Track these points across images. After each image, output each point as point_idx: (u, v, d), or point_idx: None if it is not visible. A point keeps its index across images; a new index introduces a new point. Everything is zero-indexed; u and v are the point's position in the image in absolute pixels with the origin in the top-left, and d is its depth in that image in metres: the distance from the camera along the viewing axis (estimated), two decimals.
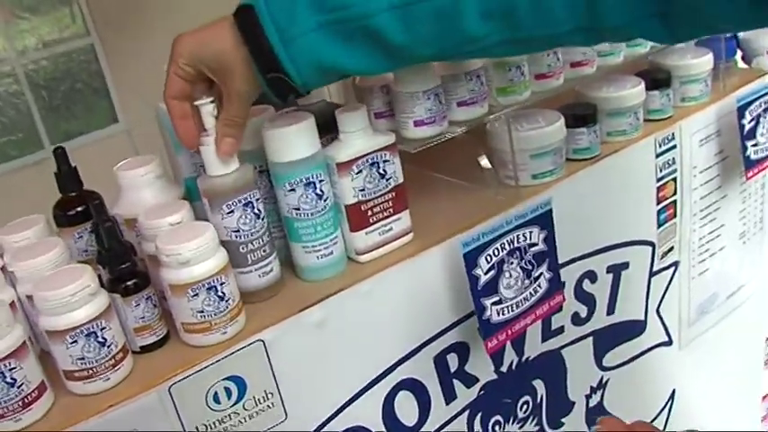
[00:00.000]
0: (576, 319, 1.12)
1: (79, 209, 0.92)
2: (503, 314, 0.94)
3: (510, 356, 1.05)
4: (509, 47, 0.73)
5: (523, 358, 1.07)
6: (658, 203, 1.18)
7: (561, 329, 1.10)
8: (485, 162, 0.97)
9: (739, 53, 1.54)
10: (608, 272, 1.13)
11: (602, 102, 1.10)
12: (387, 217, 0.93)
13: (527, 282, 0.95)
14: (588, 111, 1.07)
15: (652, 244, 1.19)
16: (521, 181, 1.03)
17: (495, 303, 0.93)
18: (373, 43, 0.70)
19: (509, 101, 0.98)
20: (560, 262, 1.05)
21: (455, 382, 1.01)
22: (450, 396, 1.01)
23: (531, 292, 0.96)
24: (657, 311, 1.25)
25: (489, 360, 1.03)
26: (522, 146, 1.01)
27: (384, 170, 0.90)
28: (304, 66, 0.71)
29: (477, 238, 0.90)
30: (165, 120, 0.96)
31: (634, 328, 1.22)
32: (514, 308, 0.95)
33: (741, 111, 1.20)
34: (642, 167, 1.14)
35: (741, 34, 1.64)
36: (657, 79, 1.16)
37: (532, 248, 0.95)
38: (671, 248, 1.23)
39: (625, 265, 1.16)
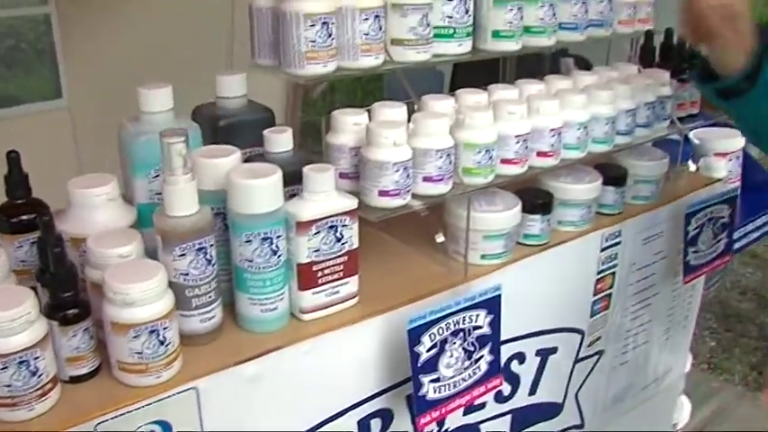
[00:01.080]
0: (499, 397, 1.17)
1: (25, 218, 0.92)
2: (439, 392, 0.98)
3: (430, 426, 1.09)
4: None
5: (443, 429, 1.11)
6: (595, 294, 1.24)
7: (483, 405, 1.15)
8: (440, 239, 1.00)
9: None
10: (537, 355, 1.19)
11: (560, 191, 1.16)
12: (336, 280, 0.96)
13: (467, 363, 1.00)
14: (545, 199, 1.13)
15: (582, 332, 1.25)
16: (470, 259, 1.07)
17: (433, 381, 0.97)
18: None
19: (473, 182, 1.02)
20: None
21: None
22: None
23: (470, 374, 1.01)
24: (576, 396, 1.32)
25: (411, 429, 1.06)
26: (478, 226, 1.05)
27: (341, 234, 0.93)
28: None
29: (424, 316, 0.94)
30: (125, 140, 0.97)
31: (551, 410, 1.28)
32: (451, 387, 0.99)
33: (688, 218, 1.28)
34: (586, 260, 1.20)
35: (692, 133, 1.74)
36: (614, 176, 1.23)
37: (477, 331, 1.00)
38: (598, 338, 1.29)
39: (554, 350, 1.21)
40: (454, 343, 0.98)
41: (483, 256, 1.08)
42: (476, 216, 1.05)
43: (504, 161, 1.05)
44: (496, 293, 0.99)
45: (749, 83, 0.99)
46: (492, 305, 0.99)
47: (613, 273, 1.25)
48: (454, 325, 0.97)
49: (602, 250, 1.21)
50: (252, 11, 1.03)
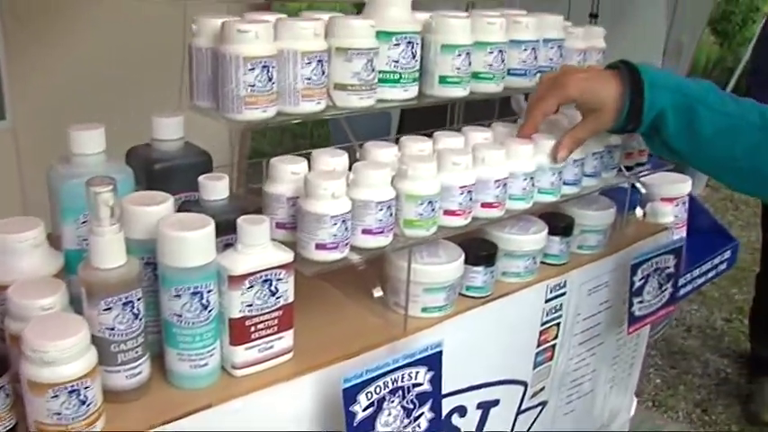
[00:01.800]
0: None
1: None
2: None
3: None
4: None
5: None
6: (539, 345, 1.22)
7: None
8: (378, 293, 0.97)
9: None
10: (478, 408, 1.17)
11: (504, 242, 1.14)
12: (270, 334, 0.92)
13: (406, 421, 0.97)
14: (489, 250, 1.11)
15: (525, 383, 1.23)
16: (410, 312, 1.05)
17: None
18: (688, 121, 1.07)
19: (414, 234, 0.99)
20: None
21: None
22: None
23: None
24: None
25: None
26: (419, 279, 1.03)
27: (276, 288, 0.90)
28: (653, 104, 1.08)
29: (360, 374, 0.91)
30: (53, 182, 0.92)
31: None
32: None
33: (634, 268, 1.26)
34: (530, 311, 1.18)
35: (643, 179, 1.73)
36: (560, 226, 1.21)
37: (417, 388, 0.97)
38: (542, 388, 1.27)
39: (495, 403, 1.19)
40: (392, 401, 0.94)
41: (424, 309, 1.05)
42: (417, 268, 1.03)
43: (448, 212, 1.03)
44: (437, 350, 0.96)
45: (635, 123, 1.11)
46: (432, 362, 0.96)
47: (558, 323, 1.23)
48: (392, 383, 0.94)
49: (547, 301, 1.19)
50: (191, 50, 1.00)
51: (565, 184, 1.18)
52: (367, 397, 0.92)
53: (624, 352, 1.42)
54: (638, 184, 1.34)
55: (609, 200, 1.31)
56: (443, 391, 1.08)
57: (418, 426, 0.98)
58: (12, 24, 2.42)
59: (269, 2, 2.45)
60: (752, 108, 1.08)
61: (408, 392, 0.96)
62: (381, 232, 0.96)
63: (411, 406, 0.97)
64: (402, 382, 0.95)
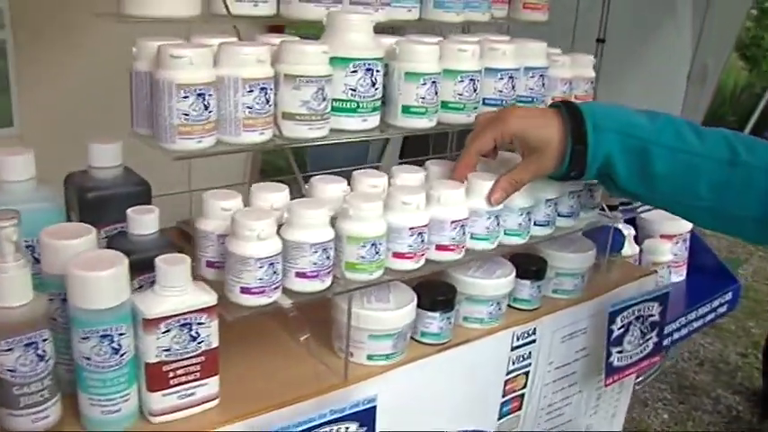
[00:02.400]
0: None
1: None
2: None
3: None
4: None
5: None
6: (504, 395, 1.12)
7: None
8: (304, 337, 0.88)
9: (631, 232, 1.53)
10: None
11: (465, 285, 1.05)
12: (191, 381, 0.84)
13: None
14: (446, 295, 1.01)
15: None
16: (355, 359, 0.97)
17: None
18: (640, 164, 0.97)
19: (356, 278, 0.90)
20: None
21: None
22: None
23: None
24: None
25: None
26: (363, 324, 0.94)
27: (197, 333, 0.83)
28: (597, 149, 0.97)
29: (287, 428, 0.82)
30: None
31: None
32: None
33: (612, 316, 1.17)
34: (494, 359, 1.09)
35: (642, 215, 1.63)
36: (531, 269, 1.11)
37: None
38: None
39: None
40: None
41: (370, 357, 0.96)
42: (361, 313, 0.94)
43: (397, 255, 0.94)
44: (370, 405, 0.88)
45: (579, 169, 1.00)
46: (365, 417, 0.88)
47: (527, 372, 1.13)
48: None
49: (514, 349, 1.10)
50: (131, 75, 0.92)
51: (536, 224, 1.08)
52: None
53: (605, 401, 1.31)
54: (620, 226, 1.22)
55: (589, 242, 1.21)
56: None
57: None
58: (22, 35, 2.39)
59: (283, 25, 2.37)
60: (720, 141, 0.96)
61: None
62: (316, 276, 0.88)
63: None
64: None
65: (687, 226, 1.63)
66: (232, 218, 0.84)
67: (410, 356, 1.00)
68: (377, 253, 0.91)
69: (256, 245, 0.83)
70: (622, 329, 1.19)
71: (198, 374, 0.85)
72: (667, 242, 1.58)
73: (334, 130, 0.97)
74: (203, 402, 0.86)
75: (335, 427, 0.87)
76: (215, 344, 0.84)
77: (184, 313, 0.81)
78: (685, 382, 2.77)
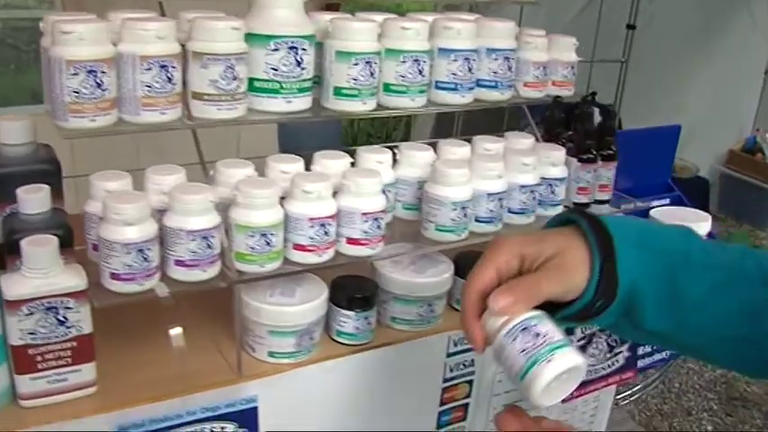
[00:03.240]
0: None
1: None
2: None
3: None
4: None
5: None
6: (443, 404, 1.02)
7: None
8: (176, 331, 0.81)
9: None
10: None
11: (392, 283, 0.95)
12: (61, 366, 0.79)
13: None
14: (366, 292, 0.92)
15: None
16: (257, 355, 0.90)
17: None
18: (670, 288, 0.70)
19: (246, 270, 0.83)
20: None
21: None
22: None
23: None
24: None
25: None
26: (262, 320, 0.87)
27: (65, 317, 0.78)
28: (628, 266, 0.69)
29: (141, 423, 0.76)
30: None
31: None
32: None
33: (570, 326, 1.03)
34: (426, 365, 1.00)
35: (653, 212, 1.47)
36: None
37: None
38: None
39: None
40: None
41: (271, 354, 0.88)
42: (261, 308, 0.86)
43: (298, 247, 0.86)
44: (250, 405, 0.80)
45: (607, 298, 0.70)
46: (245, 418, 0.81)
47: (469, 381, 1.02)
48: None
49: (450, 355, 0.99)
50: (41, 50, 0.88)
51: (476, 221, 0.97)
52: None
53: (575, 417, 1.19)
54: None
55: None
56: None
57: None
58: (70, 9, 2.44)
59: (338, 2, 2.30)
60: (743, 255, 0.73)
61: None
62: (197, 265, 0.81)
63: None
64: None
65: (704, 227, 1.46)
66: (104, 202, 0.78)
67: (320, 356, 0.92)
68: (268, 244, 0.83)
69: (122, 229, 0.77)
70: (584, 340, 1.06)
71: (69, 360, 0.80)
72: None
73: (254, 111, 0.90)
74: (77, 389, 0.82)
75: (209, 426, 0.80)
76: (87, 330, 0.79)
77: (48, 296, 0.76)
78: (735, 394, 2.56)
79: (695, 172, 3.16)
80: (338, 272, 0.95)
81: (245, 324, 0.90)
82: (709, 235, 1.51)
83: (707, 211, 1.35)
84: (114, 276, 0.79)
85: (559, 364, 0.62)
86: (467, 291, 0.69)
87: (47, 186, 0.85)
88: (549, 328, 0.65)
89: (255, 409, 0.82)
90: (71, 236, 0.86)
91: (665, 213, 1.52)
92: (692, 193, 1.64)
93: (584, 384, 1.10)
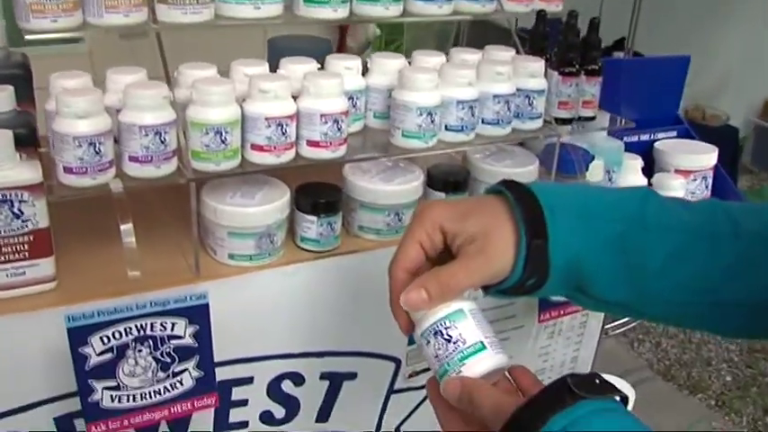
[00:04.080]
0: (268, 418, 0.98)
1: None
2: (120, 401, 0.81)
3: None
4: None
5: None
6: None
7: (244, 425, 0.97)
8: (129, 239, 0.81)
9: (639, 162, 1.33)
10: (322, 378, 0.99)
11: (358, 190, 0.94)
12: (19, 260, 0.81)
13: (162, 375, 0.83)
14: (329, 197, 0.91)
15: (396, 360, 1.03)
16: (218, 257, 0.90)
17: (109, 388, 0.80)
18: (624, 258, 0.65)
19: (202, 168, 0.82)
20: (251, 356, 0.91)
21: None
22: None
23: (166, 387, 0.83)
24: (397, 431, 1.09)
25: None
26: (222, 221, 0.87)
27: (20, 210, 0.79)
28: (565, 240, 0.63)
29: (92, 314, 0.76)
30: None
31: None
32: (138, 398, 0.81)
33: None
34: None
35: (657, 144, 1.43)
36: (449, 181, 0.98)
37: (174, 341, 0.81)
38: (426, 369, 1.05)
39: (350, 376, 1.01)
40: (140, 350, 0.80)
41: (231, 256, 0.88)
42: (219, 209, 0.86)
43: (255, 147, 0.85)
44: (200, 302, 0.80)
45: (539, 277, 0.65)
46: (195, 315, 0.81)
47: None
48: (138, 330, 0.79)
49: None
50: None
51: (446, 129, 0.95)
52: (103, 341, 0.78)
53: (559, 343, 1.16)
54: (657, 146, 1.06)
55: (532, 156, 1.06)
56: (264, 353, 0.92)
57: (180, 383, 0.83)
58: None
59: None
60: (712, 210, 0.67)
61: (162, 344, 0.81)
62: (150, 161, 0.81)
63: (168, 359, 0.82)
64: (152, 331, 0.80)
65: (709, 161, 1.41)
66: (56, 96, 0.78)
67: (282, 261, 0.91)
68: (223, 142, 0.82)
69: (74, 122, 0.78)
70: None
71: (26, 254, 0.81)
72: (682, 178, 1.37)
73: (222, 17, 0.89)
74: (36, 284, 0.83)
75: (158, 321, 0.80)
76: (43, 224, 0.80)
77: (2, 189, 0.77)
78: (756, 345, 2.50)
79: (725, 120, 3.06)
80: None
81: (207, 226, 0.90)
82: (723, 182, 1.46)
83: (737, 163, 1.30)
84: (67, 170, 0.79)
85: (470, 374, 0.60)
86: (392, 271, 0.66)
87: (11, 87, 0.86)
88: (464, 329, 0.61)
89: (206, 306, 0.81)
90: (34, 136, 0.87)
91: (671, 146, 1.48)
92: (721, 141, 1.57)
93: (561, 304, 1.07)
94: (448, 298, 0.62)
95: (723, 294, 0.65)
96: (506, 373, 0.64)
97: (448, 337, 0.61)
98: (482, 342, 0.60)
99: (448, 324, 0.61)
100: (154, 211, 1.01)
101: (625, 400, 0.57)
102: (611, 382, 0.57)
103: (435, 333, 0.61)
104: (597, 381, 0.56)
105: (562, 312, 1.08)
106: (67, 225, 0.96)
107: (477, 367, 0.60)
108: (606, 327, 1.24)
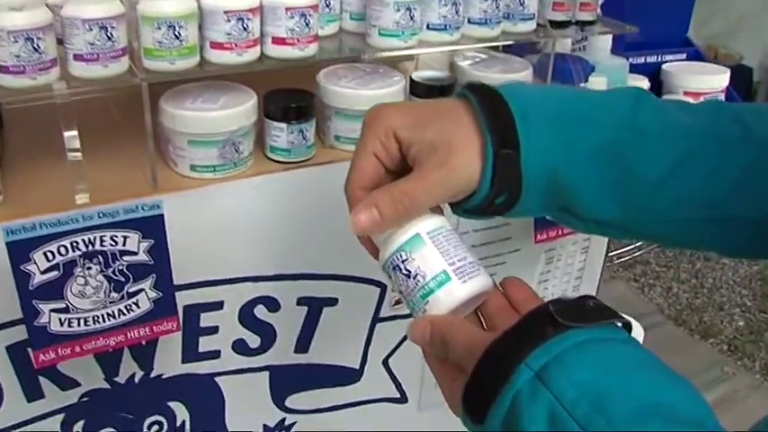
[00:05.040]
0: (243, 348, 0.91)
1: None
2: (69, 325, 0.74)
3: (130, 368, 0.86)
4: None
5: (152, 374, 0.87)
6: None
7: (216, 354, 0.90)
8: (73, 156, 0.73)
9: (645, 83, 1.24)
10: (299, 304, 0.91)
11: (332, 96, 0.86)
12: None
13: (115, 296, 0.75)
14: (299, 102, 0.83)
15: (381, 285, 0.95)
16: (179, 169, 0.82)
17: (57, 311, 0.73)
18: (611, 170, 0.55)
19: (155, 68, 0.74)
20: (219, 278, 0.84)
21: (42, 380, 0.81)
22: (33, 394, 0.82)
23: (121, 310, 0.76)
24: (385, 363, 1.02)
25: (97, 364, 0.83)
26: (181, 128, 0.79)
27: None
28: (541, 148, 0.54)
29: (33, 227, 0.69)
30: None
31: (341, 375, 1.00)
32: (90, 322, 0.74)
33: None
34: None
35: (666, 66, 1.34)
36: (435, 86, 0.90)
37: (127, 257, 0.74)
38: None
39: (330, 302, 0.94)
40: (89, 268, 0.72)
41: (193, 168, 0.81)
42: (177, 114, 0.78)
43: (215, 45, 0.77)
44: (154, 213, 0.73)
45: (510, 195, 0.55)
46: (150, 227, 0.74)
47: None
48: (86, 245, 0.72)
49: None
50: None
51: (428, 28, 0.86)
52: (47, 257, 0.71)
53: (558, 268, 1.08)
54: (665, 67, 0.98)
55: (526, 63, 0.97)
56: (232, 276, 0.85)
57: (136, 305, 0.76)
58: None
59: None
60: (717, 112, 0.58)
61: (114, 261, 0.73)
62: (96, 59, 0.72)
63: (122, 278, 0.75)
64: (101, 246, 0.73)
65: (721, 82, 1.32)
66: None
67: (248, 172, 0.83)
68: (177, 38, 0.74)
69: (8, 15, 0.69)
70: None
71: None
72: (691, 100, 1.28)
73: None
74: None
75: (107, 234, 0.73)
76: None
77: None
78: None
79: (739, 60, 2.94)
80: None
81: (167, 136, 0.82)
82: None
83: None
84: (3, 69, 0.71)
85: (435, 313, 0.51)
86: (348, 190, 0.55)
87: None
88: (423, 260, 0.51)
89: (160, 217, 0.74)
90: None
91: (680, 67, 1.39)
92: (734, 80, 1.48)
93: (557, 224, 0.99)
94: (405, 218, 0.52)
95: (728, 209, 0.56)
96: (500, 288, 0.56)
97: (407, 272, 0.51)
98: (445, 272, 0.50)
99: (405, 256, 0.51)
100: (112, 125, 0.94)
101: (628, 326, 0.47)
102: (607, 306, 0.48)
103: (394, 267, 0.52)
104: (590, 304, 0.47)
105: (560, 233, 1.00)
106: (19, 141, 0.89)
107: (442, 303, 0.50)
108: (611, 254, 1.17)
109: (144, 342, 0.81)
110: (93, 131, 0.91)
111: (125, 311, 0.77)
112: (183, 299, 0.84)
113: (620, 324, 0.47)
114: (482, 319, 0.54)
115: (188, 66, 0.77)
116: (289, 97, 0.85)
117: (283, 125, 0.83)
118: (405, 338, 1.03)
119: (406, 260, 0.51)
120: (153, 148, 0.78)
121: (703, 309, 2.33)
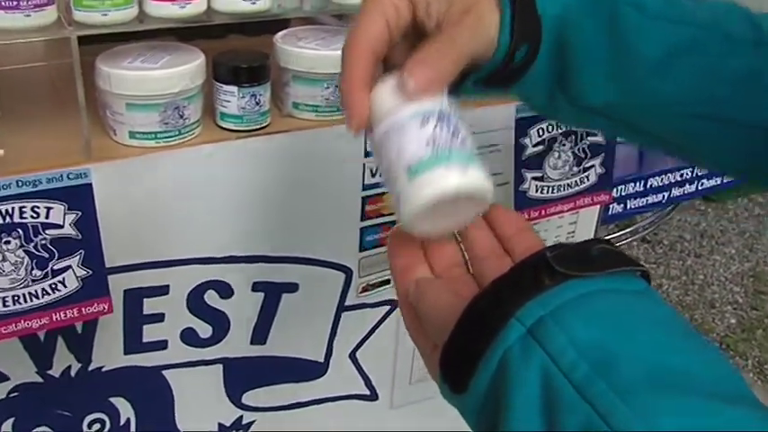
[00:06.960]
0: (192, 338, 0.83)
1: None
2: None
3: (65, 360, 0.77)
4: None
5: (91, 367, 0.79)
6: (365, 219, 0.85)
7: (163, 345, 0.81)
8: None
9: None
10: (254, 290, 0.83)
11: (289, 57, 0.78)
12: None
13: (38, 273, 0.68)
14: (251, 62, 0.75)
15: (346, 270, 0.87)
16: (118, 137, 0.73)
17: None
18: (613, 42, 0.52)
19: (85, 20, 0.66)
20: (163, 259, 0.76)
21: None
22: None
23: (45, 289, 0.68)
24: (353, 356, 0.94)
25: (27, 355, 0.75)
26: (118, 89, 0.70)
27: None
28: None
29: None
30: None
31: (304, 369, 0.92)
32: (10, 302, 0.67)
33: (522, 126, 0.85)
34: (336, 166, 0.81)
35: None
36: None
37: (51, 230, 0.66)
38: (384, 282, 0.90)
39: (290, 287, 0.85)
40: (7, 242, 0.65)
41: (132, 135, 0.72)
42: (113, 74, 0.70)
43: None
44: (81, 182, 0.64)
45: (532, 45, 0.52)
46: (76, 198, 0.66)
47: None
48: (3, 217, 0.65)
49: (371, 154, 0.81)
50: None
51: None
52: None
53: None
54: None
55: None
56: (164, 258, 0.77)
57: (63, 284, 0.67)
58: None
59: None
60: (731, 10, 0.54)
61: (36, 235, 0.65)
62: (16, 6, 0.64)
63: (45, 254, 0.66)
64: (21, 218, 0.64)
65: None
66: None
67: (195, 140, 0.75)
68: None
69: None
70: (540, 146, 0.88)
71: None
72: None
73: None
74: None
75: (30, 205, 0.64)
76: None
77: None
78: (764, 288, 2.34)
79: None
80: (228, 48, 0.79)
81: (104, 100, 0.73)
82: None
83: None
84: None
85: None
86: (352, 49, 0.47)
87: None
88: (406, 145, 0.44)
89: (89, 186, 0.66)
90: None
91: None
92: None
93: (545, 202, 0.91)
94: (449, 77, 0.46)
95: (731, 109, 0.52)
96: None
97: (398, 151, 0.44)
98: (450, 150, 0.43)
99: (397, 136, 0.44)
100: (55, 96, 0.86)
101: (646, 276, 0.40)
102: (619, 250, 0.40)
103: (381, 146, 0.45)
104: (596, 249, 0.39)
105: (542, 213, 0.92)
106: None
107: (427, 189, 0.42)
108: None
109: (74, 325, 0.73)
110: (31, 102, 0.83)
111: (49, 291, 0.68)
112: (123, 282, 0.76)
113: (636, 273, 0.40)
114: (468, 264, 0.48)
115: (123, 18, 0.68)
116: (240, 58, 0.76)
117: (234, 88, 0.75)
118: (374, 330, 0.95)
119: (394, 137, 0.44)
120: (85, 112, 0.70)
121: (694, 306, 2.25)
